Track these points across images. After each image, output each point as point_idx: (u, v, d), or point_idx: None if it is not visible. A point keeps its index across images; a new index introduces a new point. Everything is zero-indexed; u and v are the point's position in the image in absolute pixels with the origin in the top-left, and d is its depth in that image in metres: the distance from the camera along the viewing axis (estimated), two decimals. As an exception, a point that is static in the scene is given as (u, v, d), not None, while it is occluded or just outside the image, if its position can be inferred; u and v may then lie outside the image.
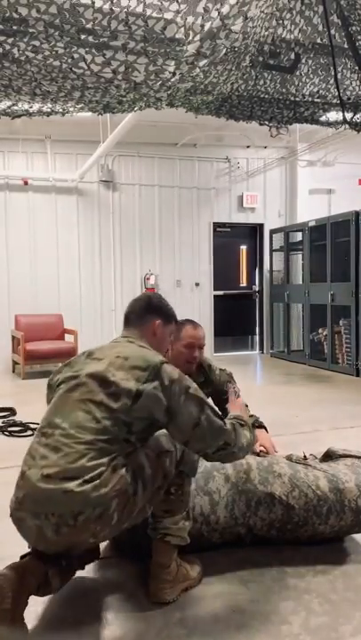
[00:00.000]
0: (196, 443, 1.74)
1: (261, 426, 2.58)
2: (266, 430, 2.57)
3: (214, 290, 8.59)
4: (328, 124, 4.20)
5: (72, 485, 1.55)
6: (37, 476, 1.59)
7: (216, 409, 1.80)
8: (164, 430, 1.83)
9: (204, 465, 2.20)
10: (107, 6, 2.08)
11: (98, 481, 1.57)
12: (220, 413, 1.79)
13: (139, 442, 1.73)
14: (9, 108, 3.26)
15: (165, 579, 1.86)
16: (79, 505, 1.54)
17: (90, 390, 1.71)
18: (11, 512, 1.66)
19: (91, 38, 2.27)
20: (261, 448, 2.42)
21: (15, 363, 7.17)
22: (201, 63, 2.49)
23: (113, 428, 1.65)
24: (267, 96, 3.43)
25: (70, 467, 1.57)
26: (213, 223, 8.54)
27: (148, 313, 2.01)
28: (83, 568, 1.98)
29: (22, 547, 1.76)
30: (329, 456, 2.44)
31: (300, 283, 7.91)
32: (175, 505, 1.85)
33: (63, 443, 1.62)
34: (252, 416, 2.58)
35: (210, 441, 1.73)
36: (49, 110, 3.33)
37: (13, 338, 7.22)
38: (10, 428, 4.22)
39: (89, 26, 2.18)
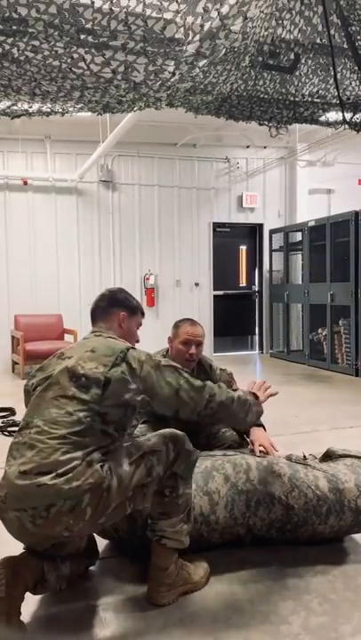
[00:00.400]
0: (185, 407, 1.80)
1: (260, 425, 2.58)
2: (264, 429, 2.57)
3: (214, 290, 8.59)
4: (328, 124, 4.19)
5: (45, 479, 1.58)
6: (15, 474, 1.63)
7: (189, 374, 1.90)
8: (160, 431, 1.86)
9: (203, 465, 2.20)
10: (106, 6, 2.08)
11: (70, 474, 1.59)
12: (194, 377, 1.90)
13: (117, 432, 1.75)
14: (8, 108, 3.25)
15: (163, 581, 1.86)
16: (51, 497, 1.57)
17: (62, 387, 1.75)
18: None
19: (90, 38, 2.27)
20: (261, 448, 2.41)
21: (15, 363, 7.16)
22: (200, 63, 2.48)
23: (86, 420, 1.68)
24: (266, 96, 3.43)
25: (44, 462, 1.61)
26: (213, 223, 8.54)
27: (113, 306, 2.07)
28: (82, 571, 1.98)
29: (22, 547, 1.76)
30: (329, 456, 2.44)
31: (300, 283, 7.92)
32: (170, 507, 1.84)
33: (38, 439, 1.66)
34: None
35: (197, 399, 1.81)
36: (48, 110, 3.32)
37: (13, 338, 7.22)
38: (10, 428, 4.22)
39: (88, 26, 2.17)
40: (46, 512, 1.57)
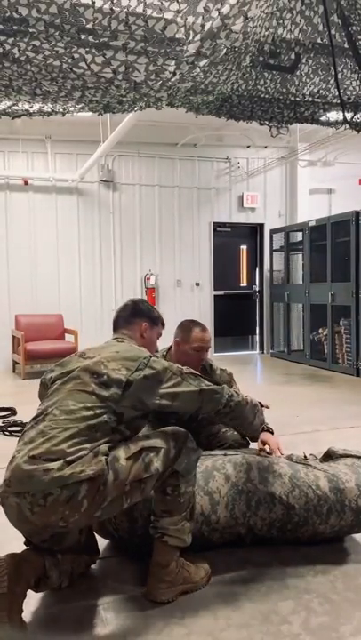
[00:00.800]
0: (208, 404, 1.93)
1: (269, 430, 2.60)
2: (272, 434, 2.58)
3: (214, 290, 8.59)
4: (328, 123, 4.19)
5: (53, 465, 1.62)
6: (25, 458, 1.66)
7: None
8: (163, 428, 1.90)
9: (204, 465, 2.20)
10: (107, 6, 2.08)
11: (77, 463, 1.63)
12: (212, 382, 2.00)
13: (128, 430, 1.81)
14: (9, 107, 3.25)
15: (163, 578, 1.86)
16: (53, 483, 1.60)
17: (83, 382, 1.81)
18: (0, 496, 1.72)
19: (91, 38, 2.27)
20: (266, 448, 2.41)
21: (15, 363, 7.17)
22: (201, 63, 2.48)
23: (102, 416, 1.74)
24: (267, 96, 3.43)
25: (54, 449, 1.65)
26: (213, 223, 8.54)
27: (136, 317, 2.16)
28: (83, 569, 1.98)
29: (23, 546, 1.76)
30: (329, 456, 2.44)
31: (301, 283, 7.92)
32: (172, 505, 1.85)
33: (52, 427, 1.71)
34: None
35: (219, 398, 1.92)
36: (49, 110, 3.32)
37: (14, 338, 7.22)
38: (10, 428, 4.22)
39: (89, 26, 2.18)
40: (43, 500, 1.60)
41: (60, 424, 1.71)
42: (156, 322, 2.23)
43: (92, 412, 1.73)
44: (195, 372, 1.96)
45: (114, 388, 1.77)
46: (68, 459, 1.63)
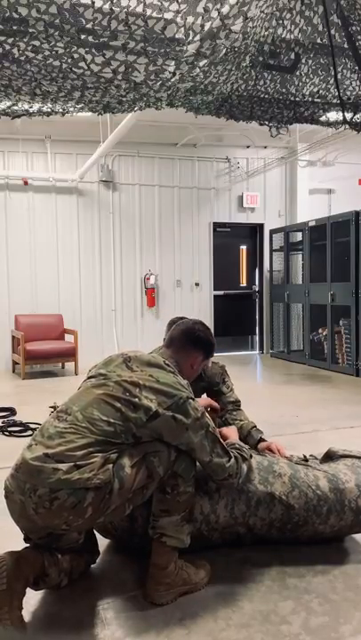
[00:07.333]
0: (206, 470, 1.93)
1: (264, 440, 2.65)
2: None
3: (214, 290, 8.59)
4: (328, 124, 4.19)
5: (62, 466, 1.64)
6: (39, 454, 1.69)
7: (225, 445, 1.93)
8: None
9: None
10: (107, 6, 2.08)
11: (85, 467, 1.65)
12: (227, 450, 1.94)
13: (138, 443, 1.82)
14: (9, 108, 3.26)
15: (162, 581, 1.86)
16: (59, 483, 1.62)
17: (113, 395, 1.81)
18: (7, 478, 1.76)
19: (91, 38, 2.27)
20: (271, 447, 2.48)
21: (15, 363, 7.17)
22: (201, 63, 2.49)
23: (121, 436, 1.76)
24: (267, 96, 3.43)
25: (67, 454, 1.68)
26: (213, 223, 8.54)
27: (193, 347, 2.11)
28: (83, 567, 1.98)
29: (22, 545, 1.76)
30: (329, 456, 2.44)
31: (300, 283, 7.92)
32: (171, 505, 1.85)
33: (71, 432, 1.73)
34: (257, 429, 2.70)
35: (218, 473, 1.91)
36: (49, 110, 3.33)
37: (13, 338, 7.23)
38: (10, 428, 4.22)
39: (89, 26, 2.18)
40: (49, 503, 1.62)
41: (79, 430, 1.73)
42: (210, 354, 2.18)
43: (112, 429, 1.74)
44: (218, 435, 1.92)
45: (140, 412, 1.77)
46: (78, 463, 1.65)
